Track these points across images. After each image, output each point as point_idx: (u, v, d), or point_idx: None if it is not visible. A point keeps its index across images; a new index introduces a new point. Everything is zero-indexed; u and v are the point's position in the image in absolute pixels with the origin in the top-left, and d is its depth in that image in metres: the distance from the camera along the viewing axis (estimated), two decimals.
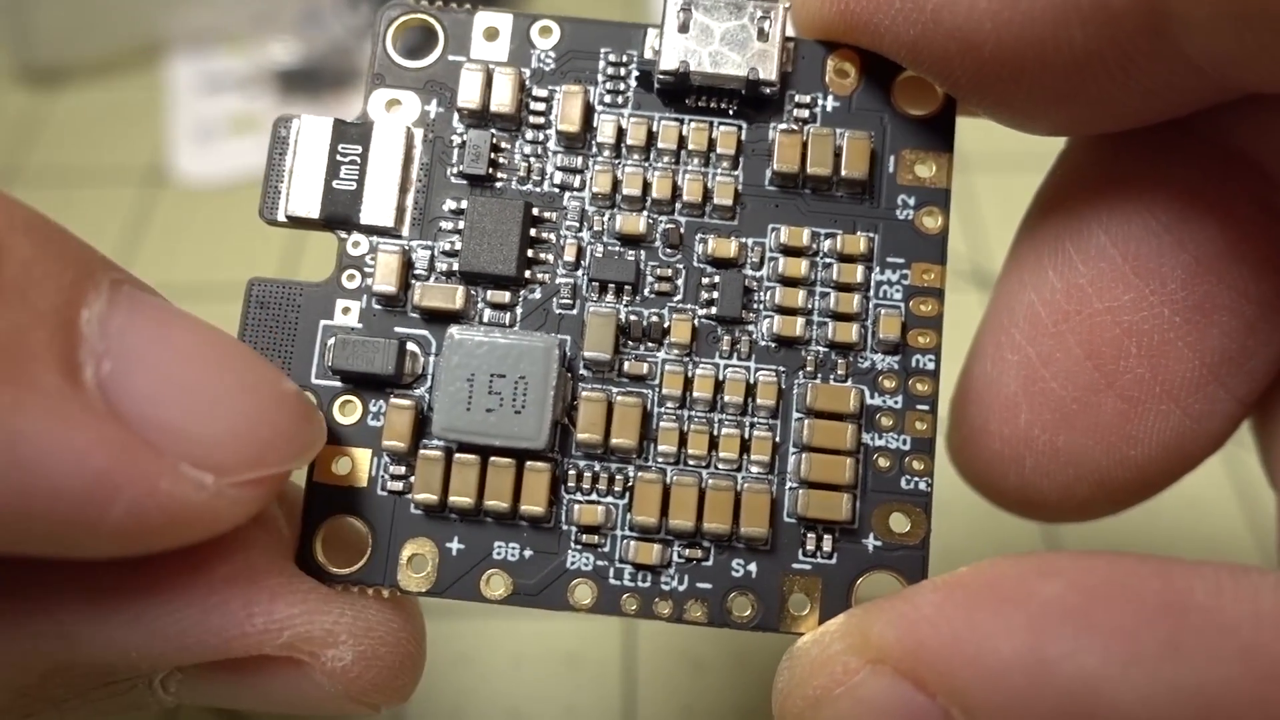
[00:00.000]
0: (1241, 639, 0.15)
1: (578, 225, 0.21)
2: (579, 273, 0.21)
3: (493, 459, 0.20)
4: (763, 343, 0.21)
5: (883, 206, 0.21)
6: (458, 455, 0.20)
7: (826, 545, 0.20)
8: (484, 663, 0.34)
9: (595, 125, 0.22)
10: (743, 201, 0.22)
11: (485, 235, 0.21)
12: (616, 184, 0.21)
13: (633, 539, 0.20)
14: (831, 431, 0.20)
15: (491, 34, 0.22)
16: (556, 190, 0.22)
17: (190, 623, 0.18)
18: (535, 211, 0.21)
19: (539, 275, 0.21)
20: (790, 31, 0.21)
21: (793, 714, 0.18)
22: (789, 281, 0.21)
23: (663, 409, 0.21)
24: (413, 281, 0.21)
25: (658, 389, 0.21)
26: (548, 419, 0.20)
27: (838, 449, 0.20)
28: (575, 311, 0.21)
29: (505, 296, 0.21)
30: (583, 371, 0.21)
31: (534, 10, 0.22)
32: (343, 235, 0.21)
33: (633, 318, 0.21)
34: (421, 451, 0.20)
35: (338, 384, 0.21)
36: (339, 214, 0.21)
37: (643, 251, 0.21)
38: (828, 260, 0.21)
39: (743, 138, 0.22)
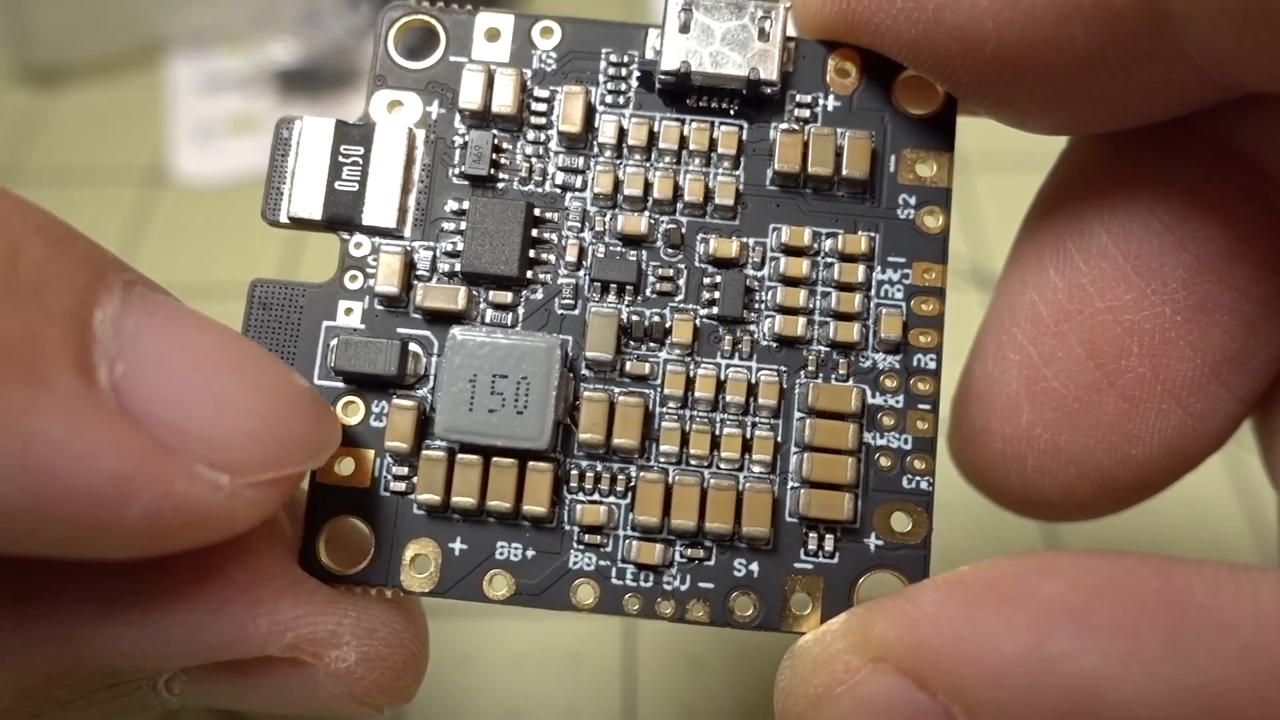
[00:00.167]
0: (1241, 638, 0.15)
1: (579, 225, 0.22)
2: (581, 273, 0.21)
3: (495, 459, 0.20)
4: (764, 342, 0.21)
5: (884, 206, 0.21)
6: (460, 456, 0.20)
7: (828, 545, 0.20)
8: (484, 663, 0.34)
9: (597, 125, 0.22)
10: (744, 201, 0.22)
11: (487, 236, 0.21)
12: (618, 184, 0.21)
13: (635, 539, 0.20)
14: (833, 431, 0.20)
15: (493, 35, 0.22)
16: (558, 190, 0.22)
17: (195, 624, 0.18)
18: (537, 212, 0.21)
19: (541, 275, 0.21)
20: (791, 31, 0.21)
21: (794, 712, 0.18)
22: (790, 281, 0.21)
23: (665, 409, 0.21)
24: (415, 282, 0.21)
25: (659, 389, 0.21)
26: (550, 419, 0.20)
27: (839, 448, 0.20)
28: (577, 312, 0.21)
29: (507, 297, 0.21)
30: (585, 372, 0.21)
31: (534, 10, 0.22)
32: (345, 236, 0.21)
33: (634, 318, 0.21)
34: (424, 452, 0.20)
35: (340, 385, 0.21)
36: (341, 215, 0.21)
37: (644, 251, 0.21)
38: (829, 260, 0.21)
39: (744, 137, 0.22)
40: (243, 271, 0.51)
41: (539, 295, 0.21)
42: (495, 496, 0.20)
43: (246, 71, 0.57)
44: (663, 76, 0.21)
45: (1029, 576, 0.16)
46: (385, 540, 0.20)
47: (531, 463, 0.20)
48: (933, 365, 0.21)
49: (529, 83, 0.22)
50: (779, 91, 0.21)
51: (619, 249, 0.21)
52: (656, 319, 0.21)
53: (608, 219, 0.21)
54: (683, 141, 0.22)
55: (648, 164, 0.22)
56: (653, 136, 0.22)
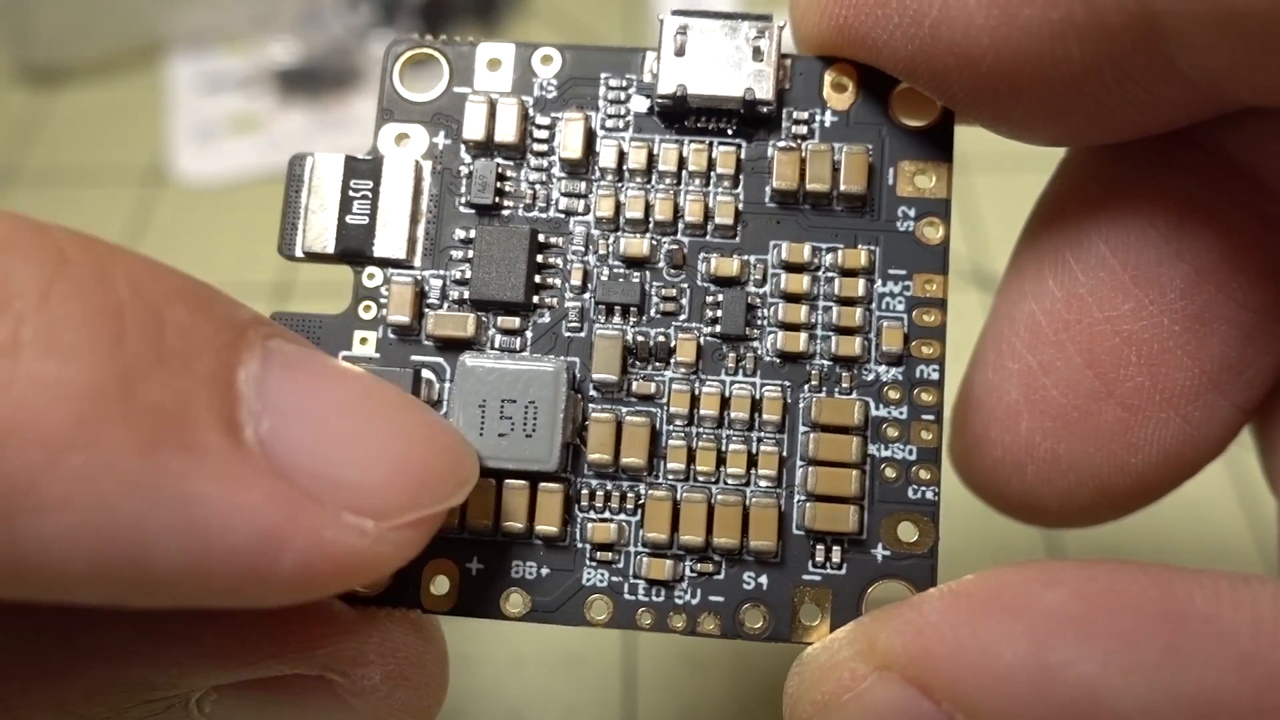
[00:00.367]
0: (1240, 647, 0.15)
1: (583, 249, 0.22)
2: (586, 296, 0.22)
3: (508, 481, 0.21)
4: (767, 358, 0.21)
5: (883, 219, 0.22)
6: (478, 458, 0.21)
7: (835, 556, 0.21)
8: (485, 663, 0.34)
9: (597, 150, 0.22)
10: (744, 220, 0.22)
11: (494, 263, 0.21)
12: (619, 207, 0.22)
13: (645, 555, 0.21)
14: (837, 444, 0.21)
15: (494, 65, 0.22)
16: (562, 216, 0.22)
17: (230, 640, 0.19)
18: (541, 238, 0.22)
19: (547, 300, 0.22)
20: (786, 49, 0.22)
21: (802, 718, 0.19)
22: (791, 297, 0.21)
23: (671, 427, 0.21)
24: (426, 311, 0.22)
25: (665, 408, 0.21)
26: (558, 441, 0.20)
27: (843, 461, 0.21)
28: (583, 334, 0.22)
29: (515, 322, 0.22)
30: (592, 393, 0.21)
31: (538, 21, 0.22)
32: (358, 268, 0.22)
33: (639, 338, 0.21)
34: None
35: None
36: (353, 248, 0.22)
37: (647, 273, 0.22)
38: (830, 274, 0.21)
39: (742, 156, 0.22)
40: (243, 272, 0.51)
41: (546, 319, 0.22)
42: (509, 517, 0.21)
43: (246, 71, 0.57)
44: (660, 100, 0.21)
45: (1031, 586, 0.17)
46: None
47: (542, 484, 0.21)
48: (935, 376, 0.21)
49: (531, 110, 0.22)
50: (775, 110, 0.21)
51: (622, 271, 0.22)
52: (661, 339, 0.22)
53: (610, 242, 0.22)
54: (682, 163, 0.22)
55: (648, 186, 0.22)
56: (652, 159, 0.22)
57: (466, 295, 0.21)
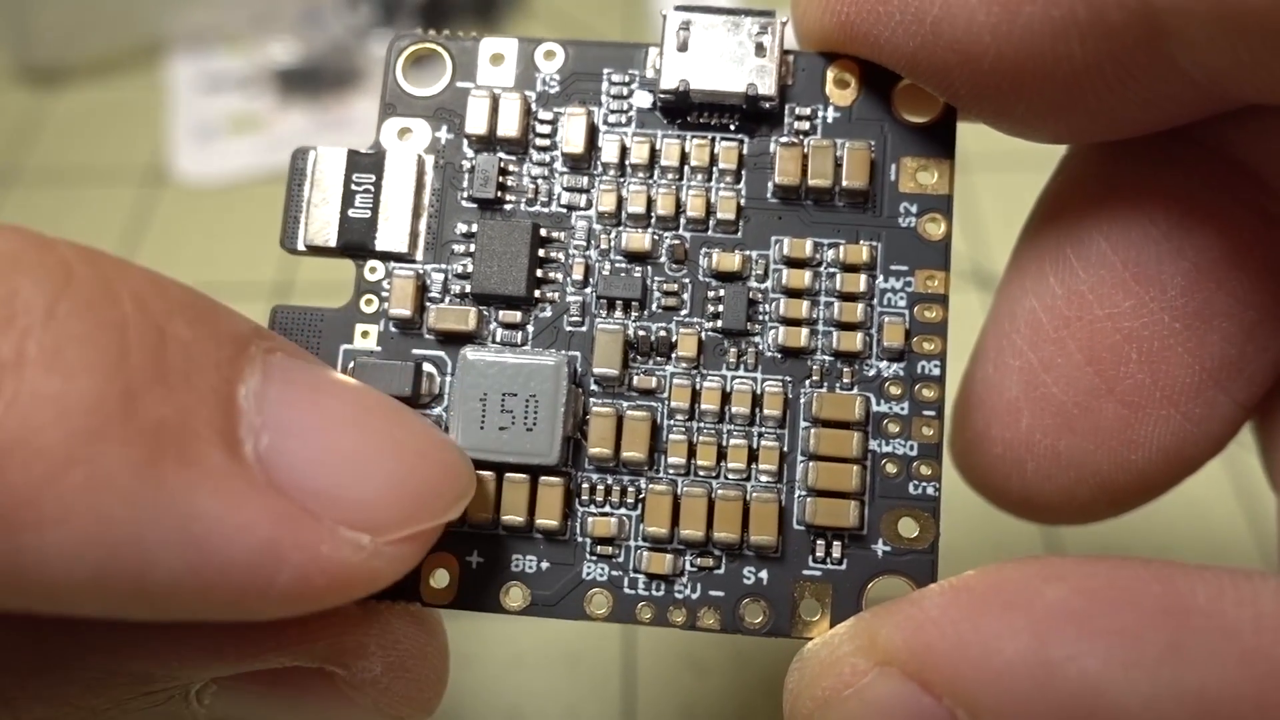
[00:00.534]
0: (1242, 643, 0.15)
1: (585, 244, 0.22)
2: (588, 290, 0.22)
3: (508, 475, 0.21)
4: (769, 354, 0.21)
5: (885, 215, 0.22)
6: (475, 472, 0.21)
7: (836, 551, 0.21)
8: (484, 662, 0.34)
9: (599, 145, 0.22)
10: (746, 215, 0.22)
11: (495, 257, 0.21)
12: (621, 202, 0.22)
13: (645, 549, 0.21)
14: (837, 440, 0.21)
15: (497, 60, 0.22)
16: (564, 210, 0.22)
17: (231, 632, 0.19)
18: (543, 232, 0.22)
19: (549, 294, 0.22)
20: (789, 45, 0.22)
21: (802, 715, 0.18)
22: (793, 293, 0.21)
23: (672, 421, 0.21)
24: (427, 304, 0.22)
25: (666, 402, 0.21)
26: (559, 435, 0.20)
27: (844, 457, 0.21)
28: (585, 329, 0.22)
29: (516, 316, 0.22)
30: (593, 387, 0.21)
31: (538, 20, 0.22)
32: (359, 262, 0.22)
33: (641, 333, 0.22)
34: None
35: None
36: (355, 241, 0.22)
37: (649, 267, 0.22)
38: (831, 270, 0.21)
39: (744, 152, 0.22)
40: (243, 271, 0.51)
41: (547, 313, 0.22)
42: (509, 511, 0.21)
43: (246, 71, 0.57)
44: (662, 95, 0.21)
45: (1032, 581, 0.17)
46: None
47: (543, 477, 0.21)
48: (937, 372, 0.21)
49: (533, 105, 0.22)
50: (778, 105, 0.22)
51: (624, 266, 0.22)
52: (662, 333, 0.22)
53: (612, 237, 0.22)
54: (684, 158, 0.22)
55: (650, 181, 0.22)
56: (654, 154, 0.22)
57: (468, 289, 0.22)
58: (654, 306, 0.22)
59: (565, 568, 0.21)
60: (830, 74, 0.22)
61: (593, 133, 0.22)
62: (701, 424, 0.21)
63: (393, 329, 0.22)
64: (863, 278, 0.21)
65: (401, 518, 0.17)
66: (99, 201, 0.53)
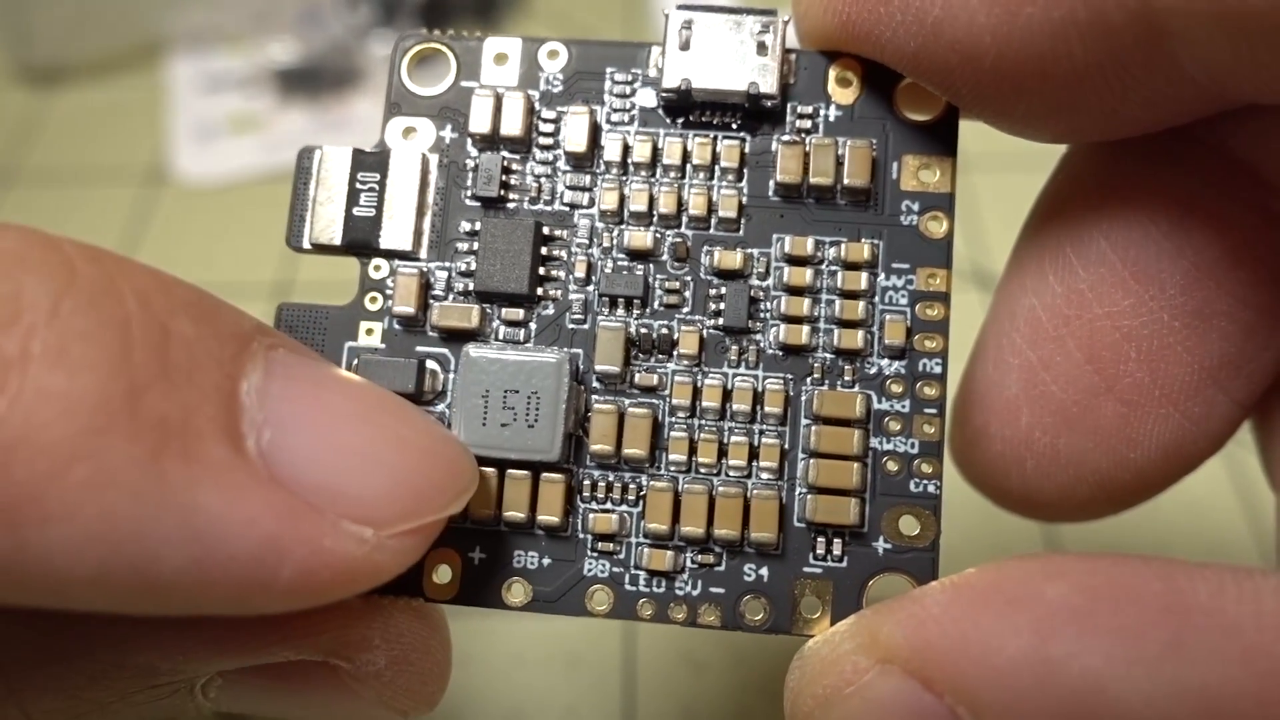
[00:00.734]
0: (1244, 640, 0.15)
1: (587, 242, 0.22)
2: (590, 288, 0.22)
3: (510, 471, 0.21)
4: (770, 351, 0.22)
5: (887, 213, 0.22)
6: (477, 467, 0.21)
7: (836, 549, 0.21)
8: (485, 663, 0.34)
9: (602, 144, 0.22)
10: (747, 213, 0.22)
11: (498, 255, 0.21)
12: (624, 200, 0.22)
13: (647, 546, 0.21)
14: (838, 437, 0.21)
15: (501, 59, 0.22)
16: (566, 209, 0.22)
17: (236, 625, 0.19)
18: (546, 230, 0.22)
19: (551, 292, 0.22)
20: (790, 44, 0.22)
21: (803, 712, 0.19)
22: (794, 290, 0.21)
23: (673, 419, 0.21)
24: (431, 302, 0.22)
25: (668, 399, 0.21)
26: (560, 432, 0.20)
27: (845, 454, 0.21)
28: (587, 326, 0.22)
29: (519, 314, 0.22)
30: (595, 384, 0.21)
31: (538, 20, 0.22)
32: (364, 260, 0.22)
33: (642, 331, 0.22)
34: None
35: None
36: (360, 239, 0.22)
37: (651, 265, 0.22)
38: (833, 268, 0.22)
39: (746, 150, 0.22)
40: (243, 271, 0.51)
41: (550, 311, 0.22)
42: (511, 507, 0.21)
43: (246, 71, 0.57)
44: (665, 94, 0.21)
45: (1033, 579, 0.17)
46: None
47: (544, 474, 0.21)
48: (938, 370, 0.21)
49: (537, 105, 0.22)
50: (780, 104, 0.22)
51: (626, 264, 0.22)
52: (664, 331, 0.22)
53: (615, 235, 0.22)
54: (686, 156, 0.22)
55: (652, 180, 0.22)
56: (656, 153, 0.22)
57: (471, 287, 0.22)
58: (656, 304, 0.22)
59: (566, 564, 0.21)
60: (832, 72, 0.22)
61: (595, 131, 0.22)
62: (703, 421, 0.21)
63: (397, 326, 0.22)
64: (864, 275, 0.21)
65: (404, 512, 0.17)
66: (99, 201, 0.53)
